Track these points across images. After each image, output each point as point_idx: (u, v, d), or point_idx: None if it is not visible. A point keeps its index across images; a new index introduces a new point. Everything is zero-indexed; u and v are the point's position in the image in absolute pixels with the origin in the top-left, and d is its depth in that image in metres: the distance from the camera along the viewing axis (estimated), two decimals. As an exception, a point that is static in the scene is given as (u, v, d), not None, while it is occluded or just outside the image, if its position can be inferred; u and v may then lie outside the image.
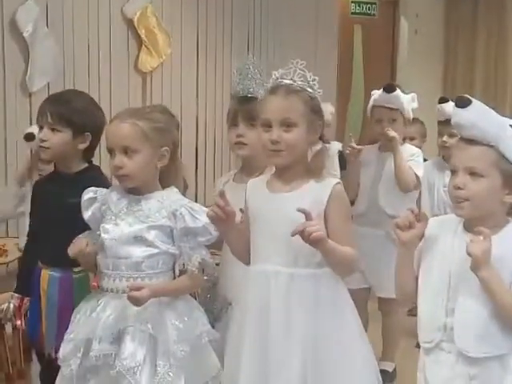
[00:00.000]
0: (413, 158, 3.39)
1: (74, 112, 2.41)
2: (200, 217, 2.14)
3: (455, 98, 1.82)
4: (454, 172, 1.84)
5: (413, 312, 2.33)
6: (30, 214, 2.61)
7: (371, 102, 3.49)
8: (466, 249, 1.74)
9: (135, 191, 2.20)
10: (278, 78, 2.08)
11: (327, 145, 2.22)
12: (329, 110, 4.60)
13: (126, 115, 2.18)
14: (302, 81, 2.06)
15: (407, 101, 3.47)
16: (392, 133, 3.33)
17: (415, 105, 3.60)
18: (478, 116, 1.79)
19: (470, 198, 1.80)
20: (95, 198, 2.23)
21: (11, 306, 2.52)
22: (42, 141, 2.43)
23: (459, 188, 1.81)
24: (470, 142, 1.81)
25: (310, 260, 2.04)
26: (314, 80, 2.08)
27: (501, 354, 1.79)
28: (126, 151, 2.14)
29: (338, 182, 2.09)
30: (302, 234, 1.90)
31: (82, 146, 2.46)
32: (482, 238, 1.73)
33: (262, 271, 2.08)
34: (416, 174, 3.33)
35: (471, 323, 1.79)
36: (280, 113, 2.04)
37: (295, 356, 2.02)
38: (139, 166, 2.15)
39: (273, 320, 2.03)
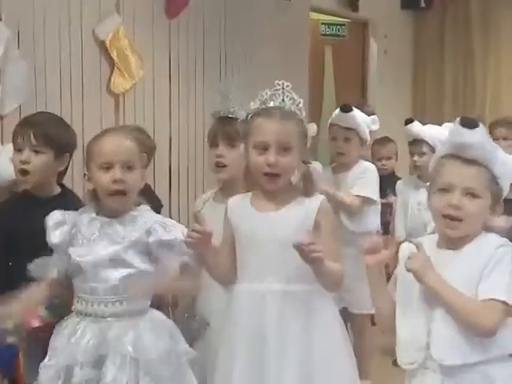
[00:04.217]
0: (363, 175, 3.41)
1: (57, 133, 2.38)
2: (173, 230, 2.12)
3: (460, 117, 1.82)
4: (445, 190, 1.84)
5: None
6: None
7: (329, 120, 3.53)
8: (404, 266, 1.79)
9: (107, 213, 2.16)
10: (266, 100, 2.08)
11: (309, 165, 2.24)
12: (312, 130, 4.65)
13: (120, 132, 2.16)
14: (291, 104, 2.08)
15: (364, 121, 3.51)
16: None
17: (375, 127, 3.63)
18: (484, 138, 1.82)
19: (465, 218, 1.81)
20: (64, 221, 2.17)
21: None
22: (24, 163, 2.34)
23: (458, 208, 1.81)
24: (468, 161, 1.82)
25: (303, 277, 2.05)
26: (300, 103, 2.10)
27: (478, 364, 1.79)
28: (127, 167, 2.11)
29: (325, 198, 2.12)
30: (302, 250, 1.89)
31: (61, 168, 2.43)
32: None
33: (254, 290, 2.08)
34: (361, 196, 3.36)
35: (444, 332, 1.80)
36: (278, 136, 2.04)
37: (290, 373, 2.01)
38: (135, 183, 2.14)
39: (268, 338, 2.03)
